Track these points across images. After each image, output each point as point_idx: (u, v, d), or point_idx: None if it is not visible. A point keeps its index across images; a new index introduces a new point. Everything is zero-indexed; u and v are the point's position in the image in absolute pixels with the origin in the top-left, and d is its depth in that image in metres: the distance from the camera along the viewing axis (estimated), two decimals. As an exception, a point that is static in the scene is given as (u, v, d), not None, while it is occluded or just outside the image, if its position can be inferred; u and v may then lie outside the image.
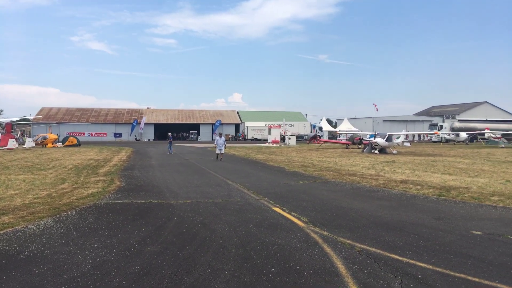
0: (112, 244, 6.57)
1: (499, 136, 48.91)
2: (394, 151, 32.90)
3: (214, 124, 76.51)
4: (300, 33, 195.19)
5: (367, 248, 6.44)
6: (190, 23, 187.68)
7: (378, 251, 6.29)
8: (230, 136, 72.80)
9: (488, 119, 74.01)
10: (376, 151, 32.24)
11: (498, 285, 4.94)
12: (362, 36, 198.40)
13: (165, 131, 77.67)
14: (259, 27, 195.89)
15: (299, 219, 8.58)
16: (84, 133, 69.51)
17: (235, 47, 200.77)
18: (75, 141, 45.94)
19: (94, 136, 71.20)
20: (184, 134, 76.78)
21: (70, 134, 57.90)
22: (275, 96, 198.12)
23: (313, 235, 7.26)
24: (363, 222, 8.40)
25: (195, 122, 78.35)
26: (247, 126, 74.64)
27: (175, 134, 77.21)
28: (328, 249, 6.35)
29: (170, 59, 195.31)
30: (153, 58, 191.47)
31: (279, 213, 9.20)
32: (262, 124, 72.47)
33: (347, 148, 41.72)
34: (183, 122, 77.93)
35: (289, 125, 67.86)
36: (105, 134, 72.38)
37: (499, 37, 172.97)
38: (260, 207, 9.95)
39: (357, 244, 6.63)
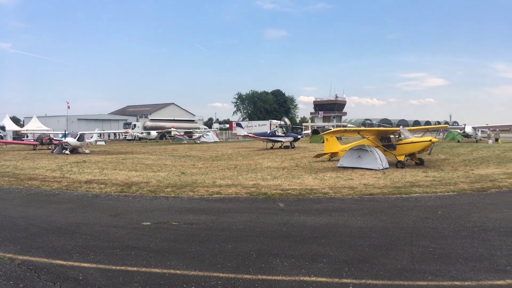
0: None
1: (182, 133, 55.73)
2: (87, 151, 32.22)
3: None
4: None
5: (30, 259, 5.93)
6: None
7: (43, 259, 5.89)
8: None
9: (175, 118, 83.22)
10: (67, 151, 30.66)
11: (154, 270, 5.51)
12: (52, 28, 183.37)
13: None
14: None
15: None
16: None
17: None
18: None
19: None
20: None
21: None
22: None
23: (-39, 256, 6.07)
24: (34, 230, 7.73)
25: None
26: None
27: None
28: (-22, 270, 5.44)
29: None
30: None
31: None
32: None
33: (34, 149, 37.73)
34: None
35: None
36: None
37: (181, 45, 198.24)
38: None
39: (19, 257, 6.01)
